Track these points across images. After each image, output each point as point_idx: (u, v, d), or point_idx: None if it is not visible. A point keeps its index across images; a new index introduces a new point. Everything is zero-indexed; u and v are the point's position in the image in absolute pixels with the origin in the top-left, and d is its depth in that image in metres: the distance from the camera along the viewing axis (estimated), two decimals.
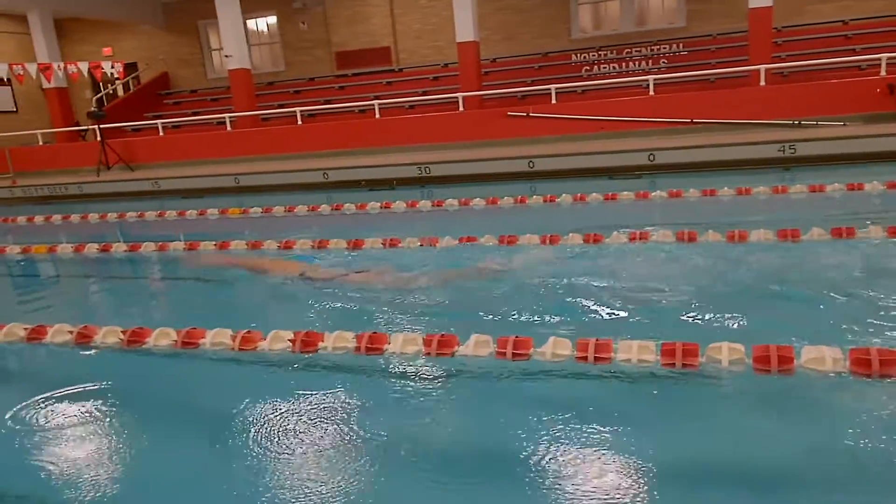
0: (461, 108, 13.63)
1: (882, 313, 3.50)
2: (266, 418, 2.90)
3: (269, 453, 2.63)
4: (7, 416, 3.29)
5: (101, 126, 14.74)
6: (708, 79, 13.79)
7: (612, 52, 16.85)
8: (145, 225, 9.03)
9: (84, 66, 15.85)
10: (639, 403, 2.88)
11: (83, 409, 3.21)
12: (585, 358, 3.00)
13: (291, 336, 3.49)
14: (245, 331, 3.60)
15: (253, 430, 2.80)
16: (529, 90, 14.97)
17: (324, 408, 3.01)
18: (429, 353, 3.24)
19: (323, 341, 3.42)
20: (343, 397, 3.13)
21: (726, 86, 13.14)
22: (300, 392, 3.20)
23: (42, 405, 3.29)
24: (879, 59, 10.97)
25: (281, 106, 17.77)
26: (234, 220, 8.63)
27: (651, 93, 12.39)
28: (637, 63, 16.41)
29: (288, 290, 4.79)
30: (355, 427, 2.81)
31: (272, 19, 20.76)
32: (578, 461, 2.40)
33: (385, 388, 3.21)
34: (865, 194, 6.67)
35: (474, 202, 7.81)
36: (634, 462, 2.36)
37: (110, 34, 21.96)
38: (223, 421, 2.91)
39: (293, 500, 2.31)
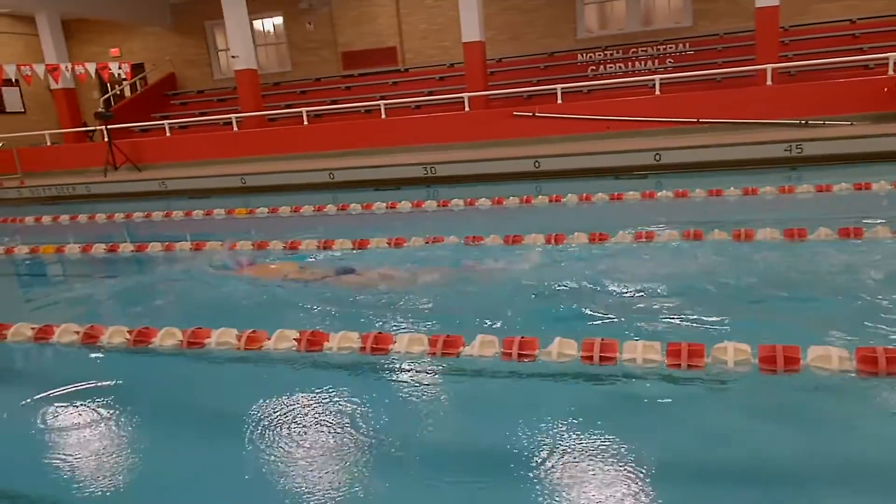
0: (467, 108, 13.63)
1: (890, 313, 3.48)
2: (271, 418, 2.91)
3: (273, 452, 2.63)
4: (14, 415, 3.31)
5: (109, 126, 14.80)
6: (714, 78, 13.75)
7: (618, 52, 16.82)
8: (152, 225, 9.06)
9: (91, 67, 15.91)
10: (644, 404, 2.87)
11: (89, 409, 3.22)
12: (591, 358, 2.99)
13: (297, 335, 3.49)
14: (250, 331, 3.61)
15: (258, 429, 2.81)
16: (535, 90, 14.95)
17: (328, 407, 3.01)
18: (434, 354, 3.24)
19: (328, 341, 3.43)
20: (348, 397, 3.14)
21: (733, 85, 13.10)
22: (305, 392, 3.20)
23: (48, 404, 3.31)
24: (887, 58, 10.91)
25: (287, 106, 17.81)
26: (241, 220, 8.65)
27: (657, 92, 12.36)
28: (643, 63, 16.37)
29: (288, 290, 4.79)
30: (360, 427, 2.81)
31: (278, 20, 20.81)
32: (583, 462, 2.39)
33: (390, 388, 3.21)
34: (873, 194, 6.63)
35: (480, 202, 7.81)
36: (640, 463, 2.36)
37: (118, 35, 22.06)
38: (228, 420, 2.92)
39: (298, 500, 2.31)
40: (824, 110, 10.74)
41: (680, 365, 2.87)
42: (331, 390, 3.22)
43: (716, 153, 9.54)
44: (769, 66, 11.62)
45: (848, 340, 2.99)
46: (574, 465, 2.38)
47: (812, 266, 4.45)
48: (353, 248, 5.91)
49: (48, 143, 17.05)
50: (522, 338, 3.16)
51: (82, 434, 2.98)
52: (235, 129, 15.47)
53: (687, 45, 16.23)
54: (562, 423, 2.69)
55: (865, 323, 3.37)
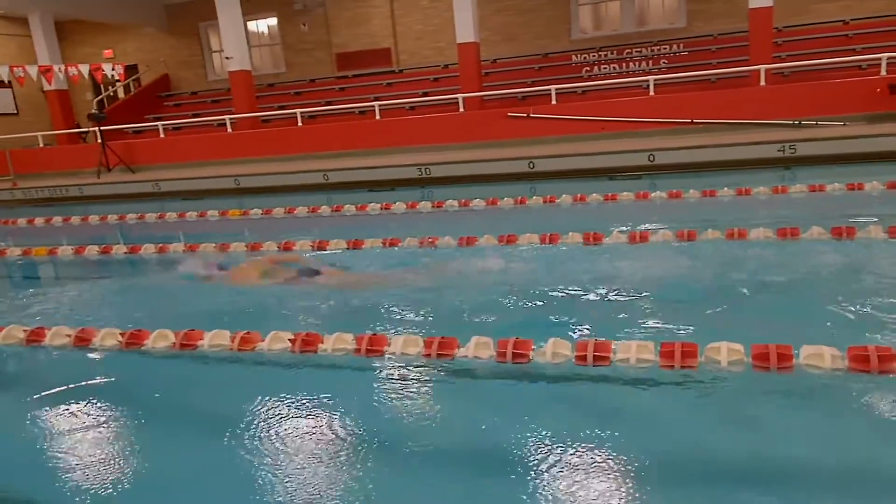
0: (461, 109, 13.64)
1: (882, 312, 3.50)
2: (264, 420, 2.90)
3: (267, 454, 2.62)
4: (6, 418, 3.29)
5: (102, 128, 14.75)
6: (708, 79, 13.78)
7: (612, 53, 16.85)
8: (146, 227, 9.04)
9: (85, 69, 15.87)
10: (639, 404, 2.88)
11: (81, 412, 3.21)
12: (584, 358, 2.99)
13: (291, 336, 3.49)
14: (244, 332, 3.59)
15: (251, 431, 2.80)
16: (530, 91, 14.98)
17: (322, 409, 3.00)
18: (429, 355, 3.24)
19: (323, 343, 3.42)
20: (342, 398, 3.13)
21: (727, 86, 13.14)
22: (299, 393, 3.20)
23: (41, 407, 3.29)
24: (880, 58, 10.96)
25: (281, 107, 17.78)
26: (235, 221, 8.63)
27: (651, 93, 12.38)
28: (637, 63, 16.41)
29: (285, 292, 4.78)
30: (353, 428, 2.81)
31: (273, 21, 20.79)
32: (577, 463, 2.39)
33: (384, 389, 3.21)
34: (866, 194, 6.66)
35: (474, 203, 7.81)
36: (635, 463, 2.36)
37: (111, 36, 22.00)
38: (221, 423, 2.91)
39: (293, 501, 2.31)
40: (818, 111, 10.78)
41: (673, 365, 2.87)
42: (325, 392, 3.21)
43: (710, 154, 9.57)
44: (763, 67, 11.67)
45: (841, 339, 2.99)
46: (568, 465, 2.37)
47: (805, 265, 4.46)
48: (347, 248, 5.90)
49: (41, 145, 16.98)
50: (517, 339, 3.16)
51: (75, 437, 2.97)
52: (229, 130, 15.44)
53: (681, 45, 16.28)
54: (556, 424, 2.69)
55: (858, 322, 3.38)
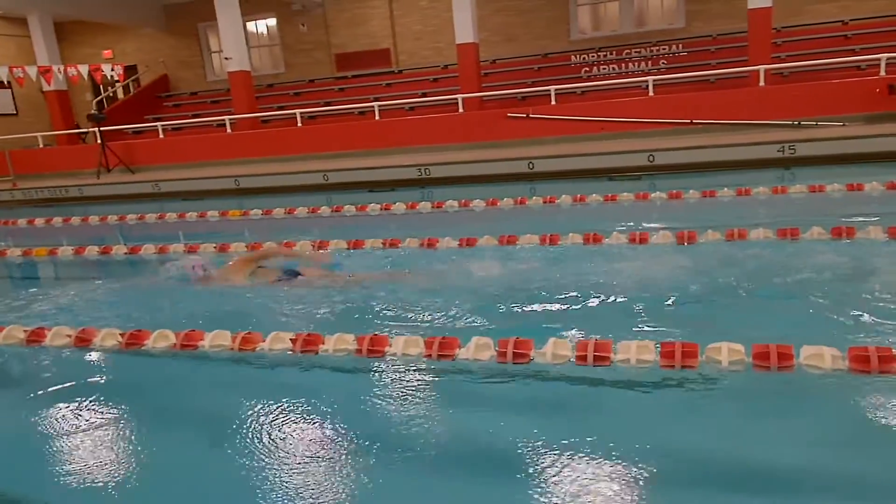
0: (461, 110, 13.64)
1: (882, 312, 3.50)
2: (264, 420, 2.90)
3: (268, 455, 2.63)
4: (6, 418, 3.29)
5: (102, 128, 14.74)
6: (707, 79, 13.79)
7: (611, 53, 16.87)
8: (146, 227, 9.04)
9: (84, 69, 15.86)
10: (638, 404, 2.88)
11: (81, 412, 3.21)
12: (585, 358, 3.00)
13: (292, 336, 3.49)
14: (245, 332, 3.60)
15: (252, 432, 2.80)
16: (529, 91, 14.99)
17: (322, 409, 3.01)
18: (430, 356, 3.24)
19: (324, 343, 3.42)
20: (342, 399, 3.13)
21: (726, 86, 13.15)
22: (299, 393, 3.20)
23: (40, 407, 3.29)
24: (879, 59, 10.97)
25: (281, 108, 17.78)
26: (235, 221, 8.63)
27: (651, 93, 12.39)
28: (636, 64, 16.42)
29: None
30: (354, 428, 2.81)
31: (272, 21, 20.79)
32: (577, 463, 2.40)
33: (385, 389, 3.21)
34: (865, 194, 6.67)
35: (474, 203, 7.82)
36: (634, 464, 2.36)
37: (110, 37, 21.99)
38: (222, 423, 2.91)
39: (293, 501, 2.31)
40: (817, 111, 10.79)
41: (674, 365, 2.88)
42: (325, 392, 3.22)
43: (709, 154, 9.57)
44: (762, 67, 11.67)
45: (840, 339, 3.00)
46: (568, 466, 2.38)
47: (805, 265, 4.47)
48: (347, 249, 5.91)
49: (41, 146, 16.97)
50: (518, 339, 3.16)
51: (74, 437, 2.97)
52: (229, 130, 15.44)
53: (680, 46, 16.30)
54: (556, 424, 2.69)
55: (858, 322, 3.38)
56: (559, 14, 17.89)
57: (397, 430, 2.79)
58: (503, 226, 6.34)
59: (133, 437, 2.96)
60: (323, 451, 2.64)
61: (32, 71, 15.42)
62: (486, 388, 3.12)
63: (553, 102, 12.93)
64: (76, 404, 3.28)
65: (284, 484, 2.42)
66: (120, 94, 21.28)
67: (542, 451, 2.48)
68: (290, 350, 3.45)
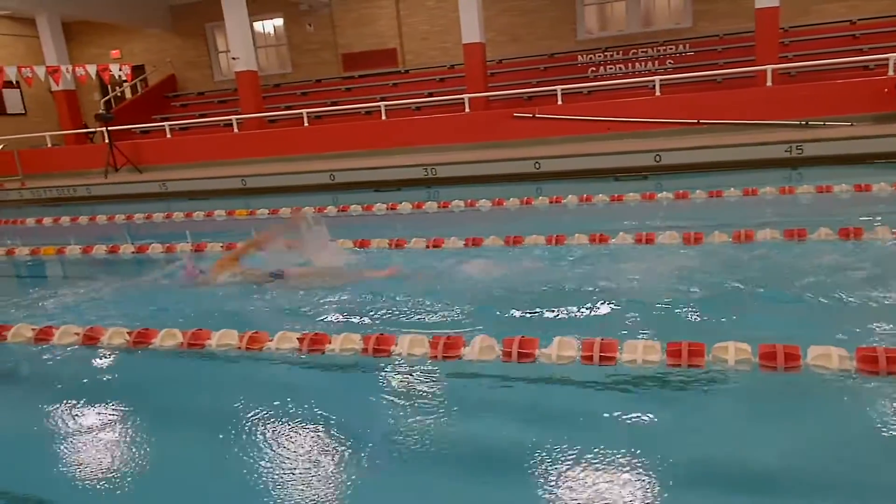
0: (467, 110, 13.64)
1: (889, 313, 3.49)
2: (271, 419, 2.91)
3: (273, 453, 2.64)
4: (15, 416, 3.32)
5: (109, 128, 14.81)
6: (714, 79, 13.75)
7: (618, 53, 16.83)
8: (153, 226, 9.07)
9: (92, 69, 15.93)
10: (644, 404, 2.88)
11: (89, 410, 3.23)
12: (591, 358, 2.99)
13: (299, 336, 3.50)
14: (252, 332, 3.61)
15: (257, 430, 2.82)
16: (535, 91, 14.96)
17: (328, 408, 3.01)
18: (435, 356, 3.24)
19: (330, 343, 3.43)
20: (348, 398, 3.14)
21: (733, 86, 13.10)
22: (305, 393, 3.21)
23: (48, 406, 3.31)
24: (887, 58, 10.91)
25: (287, 108, 17.82)
26: (242, 221, 8.66)
27: (657, 93, 12.37)
28: (643, 64, 16.38)
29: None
30: (360, 427, 2.82)
31: (279, 21, 20.83)
32: (583, 461, 2.40)
33: (391, 388, 3.22)
34: (873, 195, 6.64)
35: (480, 203, 7.82)
36: (640, 463, 2.36)
37: (118, 37, 22.09)
38: (228, 422, 2.92)
39: (299, 499, 2.32)
40: (825, 111, 10.74)
41: (680, 364, 2.87)
42: (330, 391, 3.23)
43: (716, 154, 9.54)
44: (769, 67, 11.63)
45: (848, 340, 2.98)
46: (575, 465, 2.38)
47: (812, 266, 4.45)
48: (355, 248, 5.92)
49: (49, 145, 17.06)
50: (522, 338, 3.16)
51: (82, 435, 2.99)
52: (236, 130, 15.48)
53: (687, 45, 16.25)
54: (561, 424, 2.69)
55: (866, 322, 3.37)
56: (565, 14, 17.87)
57: (403, 429, 2.80)
58: (509, 226, 6.35)
59: (140, 435, 2.97)
60: (328, 450, 2.64)
61: (41, 71, 15.50)
62: (491, 387, 3.13)
63: (559, 102, 12.91)
64: (83, 403, 3.31)
65: (291, 482, 2.43)
66: (128, 94, 21.36)
67: (548, 450, 2.48)
68: (298, 349, 3.46)
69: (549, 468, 2.37)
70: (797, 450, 2.47)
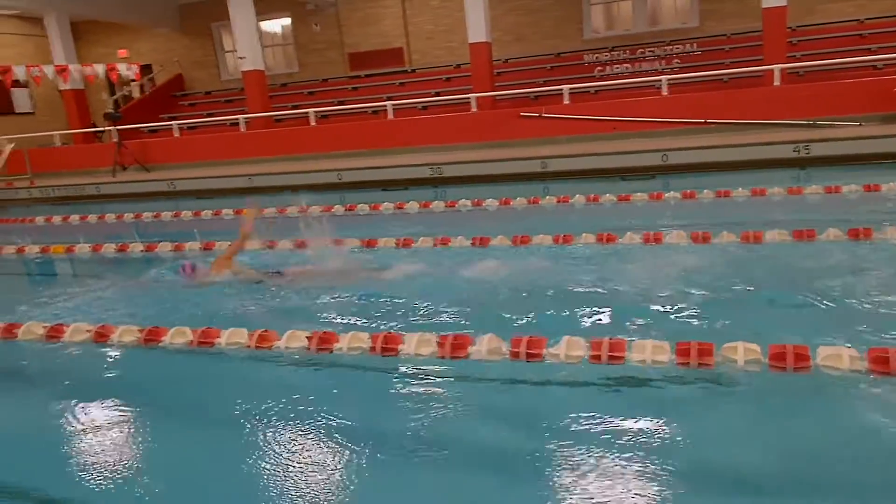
0: (474, 109, 13.64)
1: None
2: (278, 417, 2.93)
3: (280, 451, 2.66)
4: (25, 413, 3.34)
5: (118, 127, 14.87)
6: (721, 79, 13.71)
7: (624, 53, 16.79)
8: (161, 225, 9.11)
9: (100, 68, 16.00)
10: (653, 403, 2.88)
11: (98, 407, 3.26)
12: (599, 357, 3.00)
13: (308, 335, 3.52)
14: (261, 330, 3.63)
15: (265, 428, 2.83)
16: (542, 91, 14.95)
17: (336, 407, 3.03)
18: (443, 355, 3.25)
19: (338, 342, 3.45)
20: (354, 396, 3.16)
21: (740, 86, 13.06)
22: (312, 391, 3.23)
23: (58, 402, 3.34)
24: (895, 58, 10.86)
25: (294, 107, 17.84)
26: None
27: (664, 93, 12.34)
28: (650, 63, 16.34)
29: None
30: (367, 425, 2.83)
31: (285, 21, 20.86)
32: (590, 462, 2.40)
33: (398, 386, 3.23)
34: (882, 195, 6.61)
35: (487, 202, 7.82)
36: (649, 462, 2.36)
37: (126, 36, 22.16)
38: (236, 419, 2.94)
39: (305, 495, 2.33)
40: (832, 111, 10.70)
41: (689, 364, 2.87)
42: (338, 389, 3.24)
43: (723, 154, 9.52)
44: (777, 67, 11.59)
45: (858, 341, 2.98)
46: (582, 466, 2.39)
47: (821, 266, 4.44)
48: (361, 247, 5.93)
49: (58, 144, 17.14)
50: (531, 337, 3.17)
51: (92, 432, 3.01)
52: (243, 129, 15.52)
53: (694, 45, 16.20)
54: (570, 423, 2.70)
55: (876, 323, 3.36)
56: (572, 13, 17.84)
57: (410, 427, 2.81)
58: (516, 225, 6.35)
59: (150, 432, 2.99)
60: (335, 448, 2.66)
61: (49, 70, 15.57)
62: (498, 386, 3.13)
63: (566, 102, 12.90)
64: (94, 400, 3.33)
65: (297, 479, 2.45)
66: (135, 94, 21.43)
67: (555, 450, 2.49)
68: (306, 348, 3.48)
69: (556, 468, 2.38)
70: (806, 450, 2.47)
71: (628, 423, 2.67)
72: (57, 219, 9.70)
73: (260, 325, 3.71)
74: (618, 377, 2.99)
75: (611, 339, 3.08)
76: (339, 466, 2.52)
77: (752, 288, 4.17)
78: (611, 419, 2.73)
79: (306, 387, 3.35)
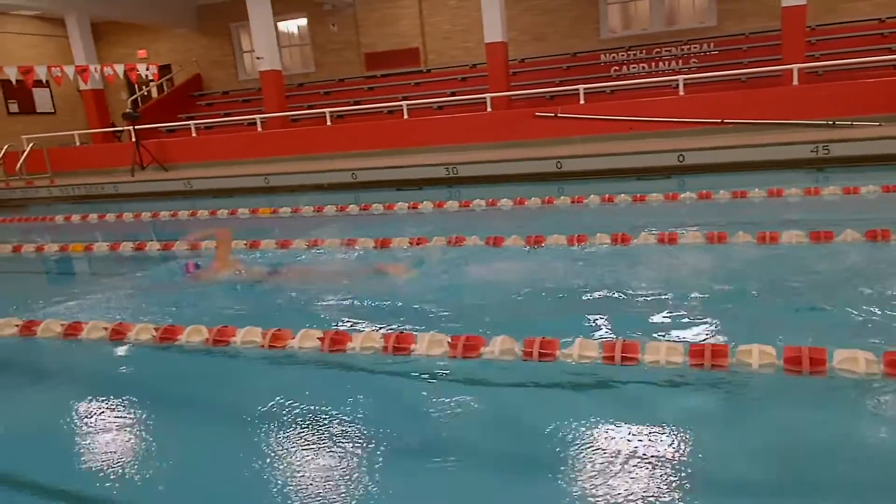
0: (489, 109, 13.63)
1: None
2: (292, 415, 2.95)
3: (292, 450, 2.67)
4: (42, 411, 3.39)
5: (136, 127, 15.02)
6: (739, 78, 13.60)
7: (641, 52, 16.71)
8: (178, 224, 9.19)
9: (120, 69, 16.16)
10: (666, 405, 2.87)
11: (116, 404, 3.29)
12: (612, 359, 2.99)
13: (320, 334, 3.53)
14: (275, 329, 3.65)
15: (280, 427, 2.85)
16: (558, 91, 14.91)
17: (348, 406, 3.04)
18: (454, 356, 3.25)
19: (351, 341, 3.46)
20: (367, 396, 3.16)
21: (758, 85, 12.95)
22: (325, 390, 3.24)
23: (76, 399, 3.38)
24: None
25: (311, 107, 17.94)
26: (264, 219, 8.74)
27: (681, 93, 12.27)
28: (667, 63, 16.25)
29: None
30: (377, 426, 2.84)
31: (303, 21, 20.98)
32: (601, 462, 2.40)
33: (410, 387, 3.24)
34: None
35: (502, 202, 7.81)
36: (661, 465, 2.35)
37: (145, 37, 22.40)
38: (251, 418, 2.96)
39: (320, 495, 2.34)
40: (852, 111, 10.57)
41: (703, 366, 2.85)
42: (350, 389, 3.25)
43: (740, 154, 9.44)
44: (796, 66, 11.47)
45: (875, 344, 2.95)
46: (595, 466, 2.38)
47: (839, 268, 4.39)
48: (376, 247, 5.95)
49: (77, 144, 17.36)
50: (543, 339, 3.16)
51: (108, 429, 3.04)
52: (260, 129, 15.63)
53: (711, 44, 16.09)
54: (582, 424, 2.69)
55: (892, 326, 3.32)
56: (588, 13, 17.78)
57: (418, 428, 2.82)
58: (531, 225, 6.33)
59: (165, 430, 3.02)
60: (346, 448, 2.67)
61: (70, 70, 15.76)
62: (510, 387, 3.13)
63: (582, 102, 12.86)
64: (111, 397, 3.36)
65: (309, 478, 2.46)
66: (154, 94, 21.65)
67: (567, 452, 2.48)
68: (319, 348, 3.49)
69: (569, 469, 2.37)
70: (822, 452, 2.45)
71: (641, 425, 2.66)
72: (76, 217, 9.82)
73: (261, 324, 3.73)
74: (630, 379, 2.98)
75: (624, 340, 3.06)
76: (351, 466, 2.53)
77: (768, 289, 4.13)
78: (623, 421, 2.72)
79: (318, 386, 3.37)
